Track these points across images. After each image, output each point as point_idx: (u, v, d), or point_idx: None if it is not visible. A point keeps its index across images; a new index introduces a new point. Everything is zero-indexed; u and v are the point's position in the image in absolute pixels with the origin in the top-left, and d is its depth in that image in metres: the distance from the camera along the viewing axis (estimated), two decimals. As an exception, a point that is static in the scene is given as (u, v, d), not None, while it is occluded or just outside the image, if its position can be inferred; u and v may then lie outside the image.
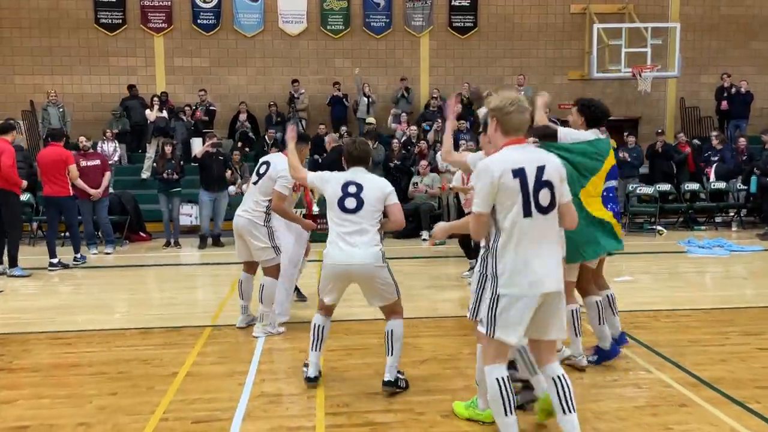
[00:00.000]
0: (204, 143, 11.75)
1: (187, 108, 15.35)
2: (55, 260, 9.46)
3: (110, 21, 16.24)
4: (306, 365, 4.64)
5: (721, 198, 13.96)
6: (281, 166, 5.43)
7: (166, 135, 14.44)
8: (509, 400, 3.26)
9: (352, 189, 4.36)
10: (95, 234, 11.00)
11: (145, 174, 14.10)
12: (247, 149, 14.60)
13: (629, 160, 13.54)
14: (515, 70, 17.00)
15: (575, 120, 4.89)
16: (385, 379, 4.36)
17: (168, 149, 11.31)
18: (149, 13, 16.33)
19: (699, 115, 17.34)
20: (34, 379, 4.80)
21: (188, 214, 12.57)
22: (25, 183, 9.41)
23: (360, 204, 4.33)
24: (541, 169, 3.23)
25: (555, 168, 3.28)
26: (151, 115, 14.66)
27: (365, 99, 15.45)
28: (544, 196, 3.22)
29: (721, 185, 13.87)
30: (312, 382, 4.53)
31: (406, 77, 16.36)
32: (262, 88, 16.77)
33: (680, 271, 9.12)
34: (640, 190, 13.46)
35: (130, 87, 15.61)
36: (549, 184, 3.24)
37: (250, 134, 15.52)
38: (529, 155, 3.27)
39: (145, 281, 8.99)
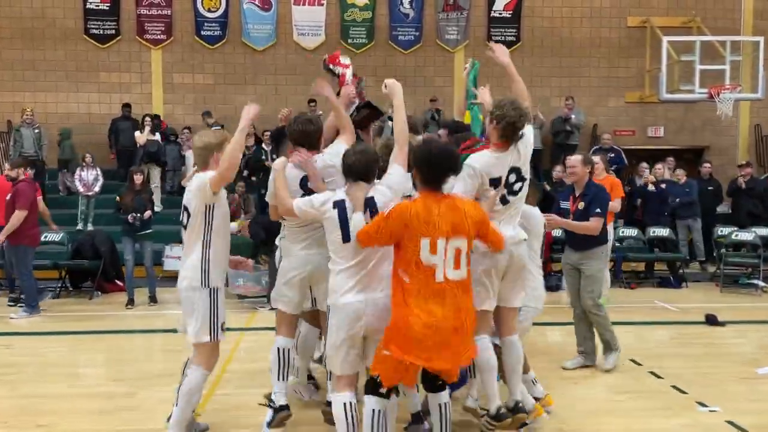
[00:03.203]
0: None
1: (186, 131, 13.28)
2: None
3: (102, 32, 14.29)
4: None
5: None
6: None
7: (158, 161, 12.35)
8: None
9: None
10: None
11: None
12: (253, 178, 12.43)
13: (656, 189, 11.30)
14: (563, 91, 14.74)
15: (490, 132, 4.25)
16: None
17: (138, 179, 8.99)
18: (146, 24, 14.36)
19: (778, 144, 14.93)
20: None
21: (178, 257, 10.30)
22: None
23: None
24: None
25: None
26: (140, 137, 12.59)
27: (390, 122, 13.24)
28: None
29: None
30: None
31: (437, 98, 14.15)
32: (273, 109, 14.52)
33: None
34: (737, 235, 11.00)
35: (125, 106, 13.56)
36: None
37: (268, 162, 13.29)
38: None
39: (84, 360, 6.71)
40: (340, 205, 3.77)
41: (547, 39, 15.19)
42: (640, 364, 6.17)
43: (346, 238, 3.73)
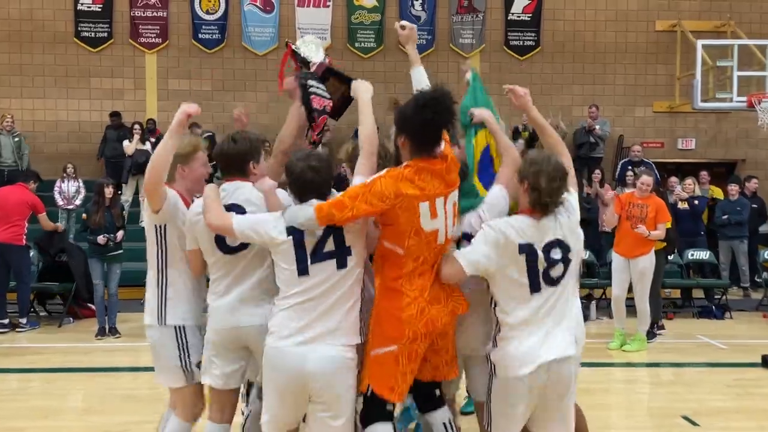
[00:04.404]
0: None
1: (180, 140, 12.33)
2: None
3: (93, 35, 13.43)
4: None
5: None
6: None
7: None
8: None
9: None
10: None
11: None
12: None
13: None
14: (586, 99, 13.67)
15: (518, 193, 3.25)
16: None
17: (108, 192, 7.94)
18: (140, 26, 13.49)
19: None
20: None
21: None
22: None
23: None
24: None
25: None
26: (129, 147, 11.67)
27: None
28: None
29: None
30: None
31: (451, 106, 13.15)
32: (275, 117, 13.54)
33: None
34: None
35: (114, 115, 12.64)
36: None
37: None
38: None
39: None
40: (295, 234, 2.97)
41: (569, 44, 14.16)
42: (696, 424, 5.06)
43: (302, 271, 2.98)
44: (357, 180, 3.08)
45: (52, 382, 6.33)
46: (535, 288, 3.01)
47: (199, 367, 3.35)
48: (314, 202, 2.97)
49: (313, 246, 2.96)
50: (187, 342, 3.32)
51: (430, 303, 3.01)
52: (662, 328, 8.25)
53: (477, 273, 3.05)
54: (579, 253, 3.17)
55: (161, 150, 3.21)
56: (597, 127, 12.70)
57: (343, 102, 3.64)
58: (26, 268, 8.50)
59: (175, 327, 3.31)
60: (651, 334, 7.80)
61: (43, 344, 7.81)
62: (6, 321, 8.27)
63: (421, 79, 3.44)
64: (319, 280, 2.95)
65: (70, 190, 10.92)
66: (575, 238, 3.12)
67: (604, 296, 9.56)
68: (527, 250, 2.99)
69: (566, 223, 3.09)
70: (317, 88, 3.53)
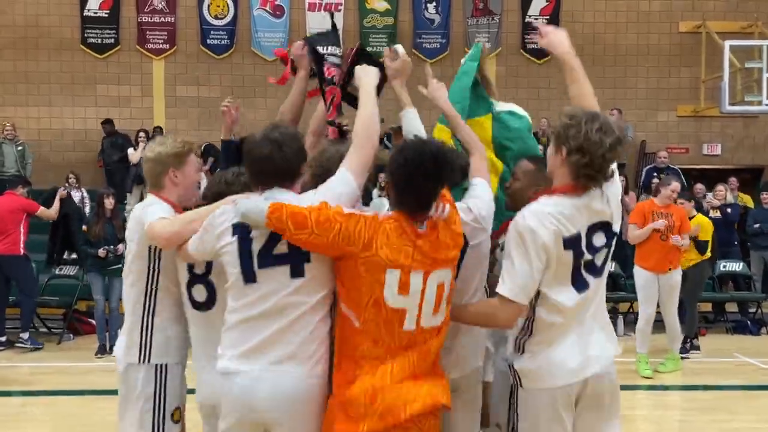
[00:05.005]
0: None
1: (187, 148, 12.00)
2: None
3: (100, 41, 13.13)
4: None
5: None
6: None
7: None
8: None
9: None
10: None
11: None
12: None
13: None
14: (607, 104, 13.12)
15: (553, 166, 2.55)
16: None
17: (108, 203, 7.54)
18: (147, 32, 13.18)
19: None
20: None
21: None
22: None
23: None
24: None
25: None
26: (134, 155, 11.33)
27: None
28: None
29: None
30: None
31: (467, 112, 12.73)
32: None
33: None
34: None
35: (106, 122, 12.29)
36: None
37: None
38: None
39: None
40: (241, 231, 2.38)
41: (589, 47, 13.63)
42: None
43: (248, 277, 2.38)
44: (344, 178, 2.46)
45: (50, 406, 5.95)
46: (581, 285, 2.42)
47: (175, 417, 2.86)
48: (276, 194, 2.40)
49: (261, 245, 2.38)
50: (165, 385, 2.81)
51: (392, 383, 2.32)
52: (697, 348, 7.71)
53: (531, 296, 2.42)
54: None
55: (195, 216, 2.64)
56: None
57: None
58: (28, 280, 8.15)
59: (156, 367, 2.82)
60: (683, 350, 7.31)
61: (42, 363, 7.45)
62: (3, 339, 7.93)
63: (411, 126, 2.85)
64: (268, 290, 2.36)
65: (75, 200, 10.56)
66: (618, 215, 2.53)
67: (631, 310, 9.04)
68: (574, 243, 2.38)
69: (612, 197, 2.48)
70: (330, 55, 3.02)
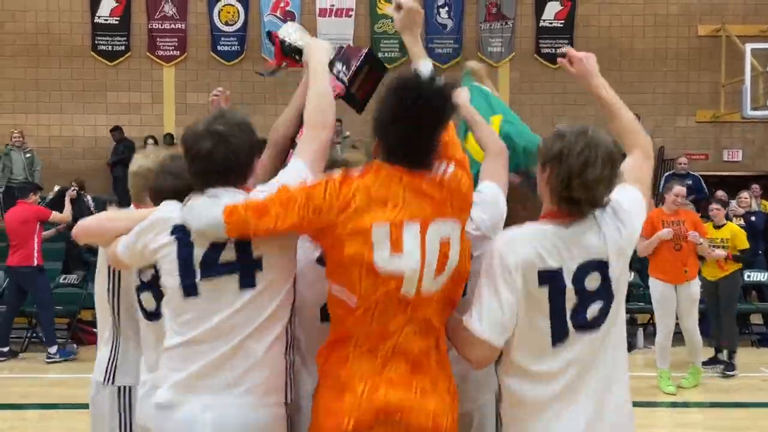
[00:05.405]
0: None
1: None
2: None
3: (111, 48, 13.11)
4: None
5: None
6: None
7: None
8: None
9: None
10: None
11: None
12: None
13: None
14: (624, 110, 12.92)
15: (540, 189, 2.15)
16: None
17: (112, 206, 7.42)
18: (158, 39, 13.13)
19: None
20: None
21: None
22: None
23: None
24: None
25: None
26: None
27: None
28: None
29: None
30: None
31: (480, 118, 12.53)
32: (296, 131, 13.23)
33: None
34: None
35: (114, 129, 12.27)
36: None
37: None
38: None
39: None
40: (179, 233, 2.05)
41: (604, 51, 13.37)
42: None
43: (189, 289, 2.03)
44: (295, 167, 2.10)
45: (47, 420, 5.80)
46: (560, 337, 1.96)
47: None
48: (222, 197, 2.02)
49: (205, 251, 2.03)
50: (129, 407, 2.59)
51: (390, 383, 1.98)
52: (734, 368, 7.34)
53: (507, 335, 2.00)
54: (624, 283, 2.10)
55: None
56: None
57: (372, 90, 2.88)
58: (43, 291, 7.88)
59: (119, 389, 2.61)
60: (731, 366, 7.14)
61: (38, 375, 7.31)
62: (6, 349, 7.81)
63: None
64: (212, 307, 2.02)
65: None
66: (624, 261, 2.06)
67: (651, 322, 8.74)
68: (551, 279, 1.95)
69: (614, 236, 2.01)
70: (339, 71, 2.78)
